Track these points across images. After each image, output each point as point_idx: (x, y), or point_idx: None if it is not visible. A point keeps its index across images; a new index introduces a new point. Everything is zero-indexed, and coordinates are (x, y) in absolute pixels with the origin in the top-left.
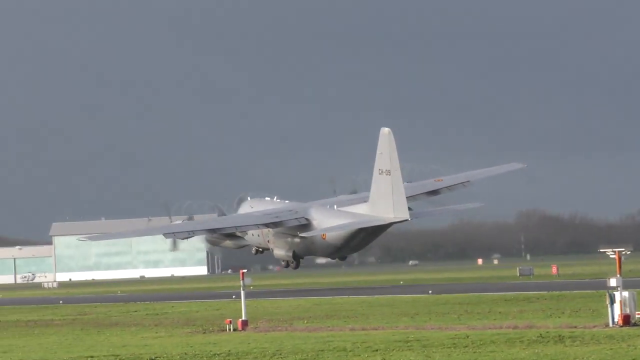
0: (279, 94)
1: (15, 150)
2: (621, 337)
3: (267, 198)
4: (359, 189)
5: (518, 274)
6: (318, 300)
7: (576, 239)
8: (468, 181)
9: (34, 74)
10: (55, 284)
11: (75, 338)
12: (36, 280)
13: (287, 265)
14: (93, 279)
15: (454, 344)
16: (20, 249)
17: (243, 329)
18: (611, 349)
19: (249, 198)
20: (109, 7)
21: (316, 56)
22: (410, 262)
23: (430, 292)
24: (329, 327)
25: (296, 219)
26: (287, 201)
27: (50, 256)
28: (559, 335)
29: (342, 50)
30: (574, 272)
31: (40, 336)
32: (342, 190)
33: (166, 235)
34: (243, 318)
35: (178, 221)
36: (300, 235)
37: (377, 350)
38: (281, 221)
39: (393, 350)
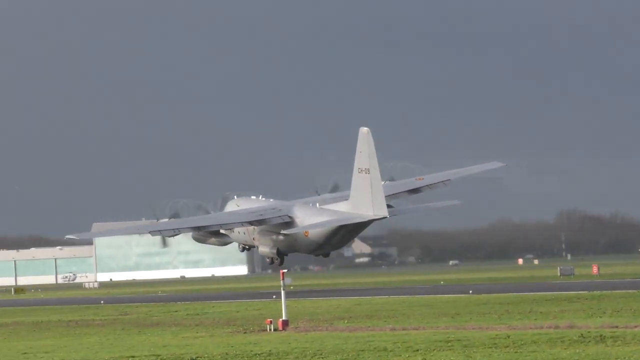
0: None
1: (56, 151)
2: None
3: (252, 197)
4: (342, 187)
5: (559, 274)
6: (358, 300)
7: (617, 239)
8: (449, 180)
9: (72, 79)
10: (96, 284)
11: (117, 338)
12: (77, 280)
13: (272, 262)
14: (134, 279)
15: (495, 344)
16: (61, 249)
17: (284, 328)
18: None
19: (235, 197)
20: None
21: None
22: (451, 262)
23: (470, 292)
24: (369, 327)
25: (280, 216)
26: (271, 200)
27: (91, 256)
28: (600, 335)
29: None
30: (615, 271)
31: (82, 336)
32: (324, 189)
33: (152, 233)
34: (283, 318)
35: (164, 219)
36: (282, 232)
37: (417, 350)
38: (265, 219)
39: (434, 350)
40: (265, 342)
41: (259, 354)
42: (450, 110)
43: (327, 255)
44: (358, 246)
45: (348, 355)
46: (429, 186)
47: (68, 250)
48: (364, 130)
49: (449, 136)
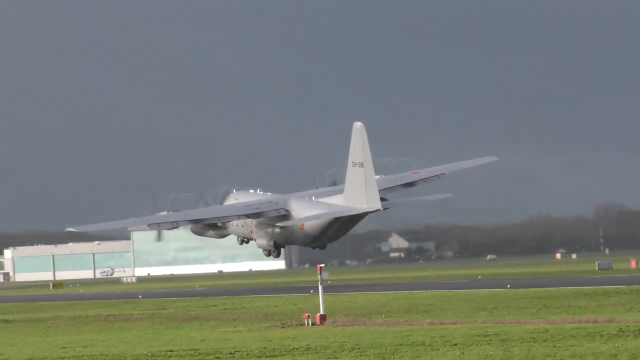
0: None
1: (94, 146)
2: None
3: (250, 190)
4: (339, 181)
5: (597, 268)
6: (396, 294)
7: None
8: (443, 174)
9: (129, 71)
10: (134, 279)
11: (155, 332)
12: (115, 275)
13: (269, 254)
14: (171, 274)
15: (533, 338)
16: (99, 244)
17: (321, 323)
18: None
19: (234, 191)
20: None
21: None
22: (488, 257)
23: (508, 286)
24: (407, 321)
25: (276, 209)
26: (269, 193)
27: (129, 251)
28: (639, 330)
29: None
30: None
31: (120, 331)
32: (323, 183)
33: (151, 226)
34: (321, 312)
35: (163, 213)
36: (278, 225)
37: (455, 345)
38: (262, 212)
39: (472, 344)
40: (303, 336)
41: (297, 349)
42: (488, 106)
43: (323, 247)
44: (395, 241)
45: (386, 349)
46: (423, 180)
47: (106, 245)
48: (357, 124)
49: (485, 132)
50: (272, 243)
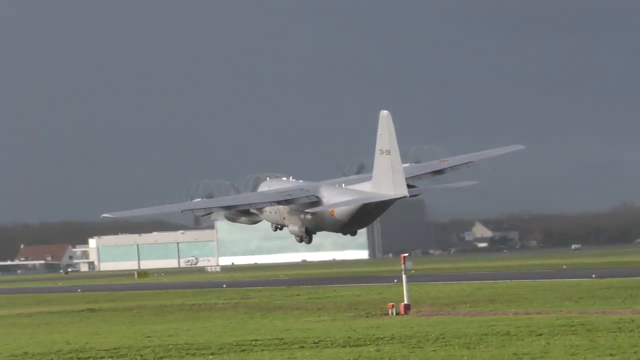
0: None
1: (181, 136)
2: None
3: (283, 178)
4: (369, 169)
5: None
6: (480, 284)
7: None
8: (471, 161)
9: (157, 75)
10: (218, 268)
11: (240, 322)
12: (199, 264)
13: (301, 240)
14: (255, 263)
15: (619, 328)
16: (183, 233)
17: (406, 313)
18: None
19: (267, 178)
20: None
21: None
22: (573, 246)
23: (593, 276)
24: (491, 311)
25: (307, 196)
26: (300, 181)
27: (213, 240)
28: None
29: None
30: None
31: (205, 320)
32: (352, 171)
33: (184, 212)
34: (405, 302)
35: (197, 199)
36: (308, 211)
37: (540, 335)
38: (293, 199)
39: (557, 334)
40: (387, 326)
41: (381, 338)
42: (576, 92)
43: (354, 233)
44: (479, 230)
45: (471, 339)
46: (452, 167)
47: (190, 235)
48: (384, 113)
49: (571, 115)
50: (303, 229)
